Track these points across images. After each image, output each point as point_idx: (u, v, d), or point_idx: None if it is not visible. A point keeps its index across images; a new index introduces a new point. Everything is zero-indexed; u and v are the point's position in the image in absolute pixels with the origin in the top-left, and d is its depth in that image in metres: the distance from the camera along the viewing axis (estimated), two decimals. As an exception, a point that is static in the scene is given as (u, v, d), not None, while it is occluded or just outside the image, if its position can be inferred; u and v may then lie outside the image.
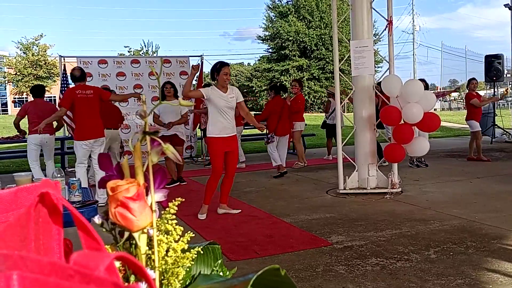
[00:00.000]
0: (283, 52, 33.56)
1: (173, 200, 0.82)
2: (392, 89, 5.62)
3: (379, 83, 6.22)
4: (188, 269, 0.84)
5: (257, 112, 11.90)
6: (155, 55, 35.16)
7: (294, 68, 33.02)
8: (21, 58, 38.17)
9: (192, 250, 0.82)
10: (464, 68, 33.62)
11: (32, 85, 7.14)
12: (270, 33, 34.93)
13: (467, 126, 9.14)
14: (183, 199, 0.86)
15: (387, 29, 6.01)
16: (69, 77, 9.60)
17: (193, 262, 0.82)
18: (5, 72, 40.99)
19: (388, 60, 6.09)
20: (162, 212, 0.80)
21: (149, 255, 0.74)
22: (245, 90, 32.66)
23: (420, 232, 4.22)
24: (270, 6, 35.42)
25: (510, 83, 19.76)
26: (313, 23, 33.24)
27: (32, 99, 7.18)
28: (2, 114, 43.93)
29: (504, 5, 12.73)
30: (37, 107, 6.80)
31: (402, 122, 5.52)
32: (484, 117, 12.16)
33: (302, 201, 5.74)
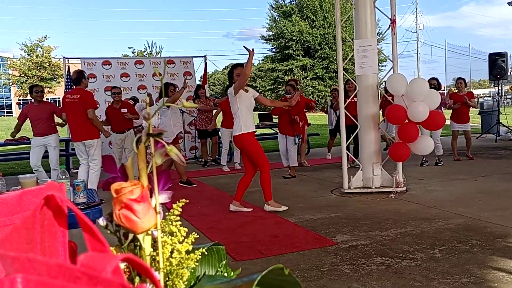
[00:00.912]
0: (286, 52, 33.53)
1: (177, 202, 0.82)
2: (397, 88, 5.60)
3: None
4: (192, 270, 0.84)
5: (264, 112, 11.88)
6: (158, 55, 35.26)
7: (298, 68, 32.99)
8: (25, 60, 38.35)
9: (196, 251, 0.82)
10: (468, 67, 33.55)
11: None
12: (273, 33, 34.91)
13: (471, 124, 9.08)
14: (187, 201, 0.86)
15: (390, 28, 5.99)
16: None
17: (197, 263, 0.83)
18: (9, 74, 41.20)
19: (391, 59, 6.07)
20: (167, 213, 0.81)
21: (153, 257, 0.75)
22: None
23: (425, 231, 4.20)
24: (274, 6, 35.41)
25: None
26: (316, 22, 33.19)
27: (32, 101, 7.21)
28: (7, 115, 44.11)
29: (507, 3, 12.68)
30: (35, 109, 6.84)
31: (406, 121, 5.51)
32: (488, 115, 12.13)
33: (307, 200, 5.73)
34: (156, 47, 39.08)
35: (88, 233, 0.47)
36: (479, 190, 5.83)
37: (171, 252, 0.78)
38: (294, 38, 32.85)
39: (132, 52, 37.75)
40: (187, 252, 0.80)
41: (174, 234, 0.79)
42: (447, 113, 8.56)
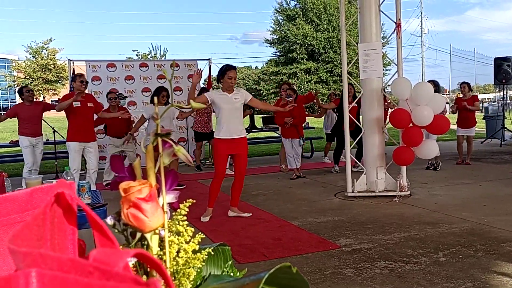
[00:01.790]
0: (290, 55, 33.56)
1: (184, 202, 0.83)
2: (402, 92, 5.59)
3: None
4: (198, 270, 0.84)
5: (267, 116, 11.89)
6: (163, 58, 35.35)
7: (302, 71, 33.01)
8: (30, 62, 38.54)
9: (202, 251, 0.82)
10: (473, 71, 33.46)
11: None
12: (278, 36, 34.96)
13: (476, 129, 9.05)
14: (194, 201, 0.87)
15: (395, 32, 5.99)
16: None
17: (203, 263, 0.83)
18: (14, 76, 41.40)
19: (396, 63, 6.07)
20: (174, 213, 0.81)
21: (160, 256, 0.75)
22: (252, 94, 32.65)
23: (429, 235, 4.19)
24: (278, 9, 35.47)
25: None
26: (321, 26, 33.22)
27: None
28: (11, 117, 44.25)
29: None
30: (27, 108, 6.92)
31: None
32: (493, 120, 12.09)
33: (310, 204, 5.72)
34: (160, 50, 39.23)
35: (98, 231, 0.47)
36: (483, 194, 5.80)
37: (178, 252, 0.79)
38: (298, 41, 32.89)
39: (137, 55, 37.88)
40: (194, 252, 0.80)
41: (181, 234, 0.80)
42: (453, 117, 8.55)
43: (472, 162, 8.49)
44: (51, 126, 8.62)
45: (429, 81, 7.70)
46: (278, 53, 35.44)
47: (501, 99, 12.24)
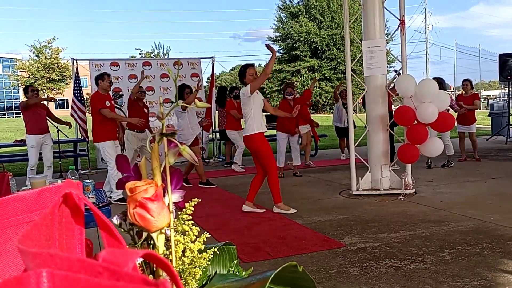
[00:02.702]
0: (294, 53, 33.54)
1: (190, 201, 0.83)
2: (406, 89, 5.57)
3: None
4: (204, 269, 0.85)
5: (267, 114, 11.90)
6: (166, 57, 35.37)
7: (305, 69, 32.97)
8: (34, 61, 38.69)
9: (208, 250, 0.82)
10: (478, 68, 33.32)
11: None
12: (281, 34, 34.93)
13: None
14: (199, 200, 0.87)
15: (399, 28, 5.97)
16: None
17: (209, 262, 0.83)
18: (18, 75, 41.57)
19: (400, 60, 6.05)
20: (179, 212, 0.81)
21: (166, 256, 0.75)
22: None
23: (434, 233, 4.18)
24: (281, 6, 35.44)
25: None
26: (324, 23, 33.16)
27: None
28: (16, 117, 44.48)
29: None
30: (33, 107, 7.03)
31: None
32: (498, 117, 12.03)
33: (315, 202, 5.72)
34: (163, 48, 39.22)
35: (105, 231, 0.47)
36: (489, 192, 5.78)
37: (183, 251, 0.79)
38: (301, 39, 32.86)
39: (140, 54, 37.92)
40: (199, 251, 0.80)
41: (187, 233, 0.80)
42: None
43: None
44: (55, 126, 8.65)
45: (434, 78, 7.69)
46: (281, 51, 35.41)
47: (506, 96, 12.18)
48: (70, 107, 8.91)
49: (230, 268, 0.92)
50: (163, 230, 0.70)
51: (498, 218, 4.51)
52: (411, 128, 5.51)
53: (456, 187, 6.23)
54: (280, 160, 7.71)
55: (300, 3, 34.90)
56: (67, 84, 38.32)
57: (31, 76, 38.59)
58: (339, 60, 32.35)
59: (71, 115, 9.33)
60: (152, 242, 0.72)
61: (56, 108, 47.17)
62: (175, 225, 0.77)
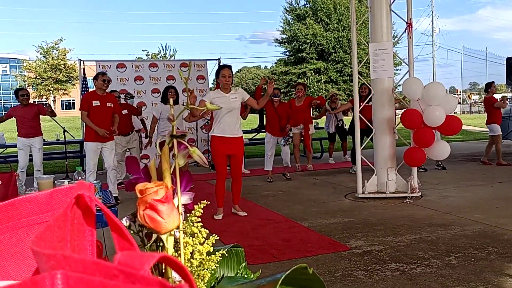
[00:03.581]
0: (300, 55, 33.53)
1: (199, 203, 0.83)
2: (413, 92, 5.55)
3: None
4: (212, 272, 0.84)
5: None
6: (172, 58, 35.48)
7: (311, 71, 32.95)
8: (41, 62, 38.88)
9: (217, 252, 0.82)
10: (485, 71, 33.16)
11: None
12: (287, 36, 34.93)
13: (487, 130, 9.01)
14: (209, 202, 0.87)
15: (406, 31, 5.95)
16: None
17: (217, 265, 0.83)
18: (25, 76, 41.80)
19: (407, 63, 6.03)
20: (188, 214, 0.81)
21: (174, 258, 0.75)
22: (262, 94, 32.70)
23: (440, 237, 4.15)
24: (288, 8, 35.45)
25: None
26: (330, 25, 33.14)
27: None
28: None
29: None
30: (21, 110, 7.13)
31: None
32: (505, 121, 11.93)
33: (320, 205, 5.71)
34: (170, 50, 39.35)
35: (117, 233, 0.47)
36: (496, 196, 5.74)
37: (192, 253, 0.79)
38: (308, 41, 32.84)
39: (146, 55, 38.05)
40: (208, 253, 0.80)
41: (195, 235, 0.79)
42: (482, 117, 8.64)
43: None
44: (61, 126, 8.69)
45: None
46: (287, 53, 35.44)
47: (513, 100, 12.10)
48: (77, 107, 8.93)
49: (238, 271, 0.92)
50: (172, 232, 0.70)
51: (505, 222, 4.48)
52: (418, 131, 5.49)
53: (463, 191, 6.19)
54: (267, 163, 7.69)
55: (306, 5, 34.90)
56: (73, 85, 38.50)
57: (38, 77, 38.79)
58: (345, 62, 32.31)
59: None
60: (161, 244, 0.72)
61: (62, 108, 47.45)
62: (184, 227, 0.77)
